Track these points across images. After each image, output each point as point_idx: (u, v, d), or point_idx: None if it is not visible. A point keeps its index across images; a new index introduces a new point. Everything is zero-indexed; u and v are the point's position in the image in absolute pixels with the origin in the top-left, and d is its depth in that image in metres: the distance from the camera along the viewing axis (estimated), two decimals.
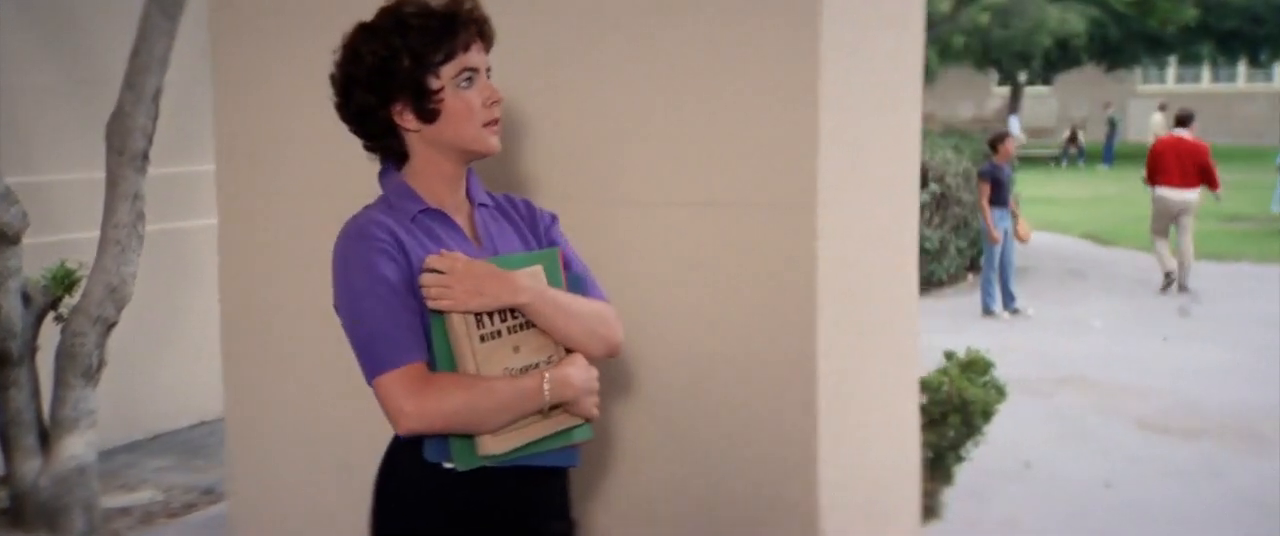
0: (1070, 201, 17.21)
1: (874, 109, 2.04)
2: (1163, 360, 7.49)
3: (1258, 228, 14.31)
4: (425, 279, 1.63)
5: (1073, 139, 26.50)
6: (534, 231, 1.82)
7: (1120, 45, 26.04)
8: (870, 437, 2.05)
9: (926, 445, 3.39)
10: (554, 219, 1.85)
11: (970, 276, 10.79)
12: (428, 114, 1.69)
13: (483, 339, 1.63)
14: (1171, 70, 32.07)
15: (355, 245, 1.65)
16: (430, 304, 1.62)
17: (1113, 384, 6.94)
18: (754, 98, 1.90)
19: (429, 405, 1.60)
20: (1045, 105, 32.01)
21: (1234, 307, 9.20)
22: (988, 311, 8.95)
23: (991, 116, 32.08)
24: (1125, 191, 18.70)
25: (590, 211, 2.02)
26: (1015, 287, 9.14)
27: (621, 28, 1.99)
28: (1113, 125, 25.78)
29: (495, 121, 1.72)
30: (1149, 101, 28.54)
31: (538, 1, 2.10)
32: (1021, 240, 9.16)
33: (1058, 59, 27.15)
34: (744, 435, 1.94)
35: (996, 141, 8.80)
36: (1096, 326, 8.66)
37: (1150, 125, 20.88)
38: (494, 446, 1.65)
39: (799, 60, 1.86)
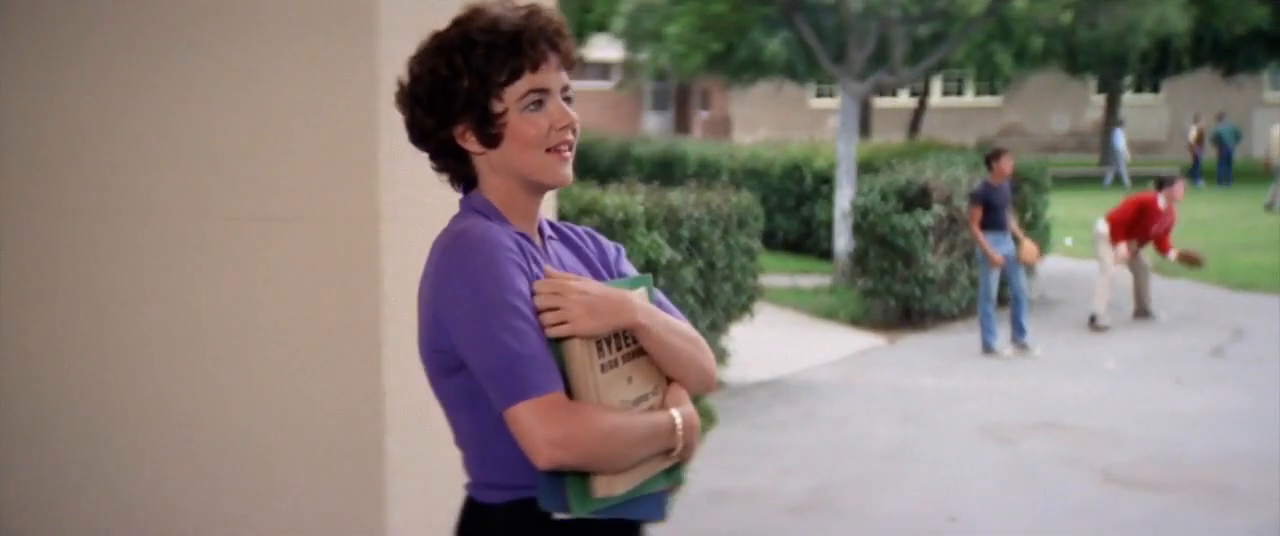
0: None
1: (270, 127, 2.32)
2: (1162, 405, 7.56)
3: None
4: (541, 301, 1.64)
5: (1197, 146, 25.91)
6: (604, 265, 1.85)
7: (1235, 46, 25.70)
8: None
9: None
10: (619, 251, 1.90)
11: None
12: (490, 138, 1.71)
13: (603, 368, 1.67)
14: None
15: (481, 252, 1.64)
16: (550, 331, 1.63)
17: (1092, 431, 7.04)
18: (315, 114, 2.19)
19: (578, 433, 1.61)
20: (1153, 116, 31.61)
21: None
22: (988, 349, 9.06)
23: (1090, 129, 31.83)
24: (1221, 216, 18.53)
25: (169, 224, 2.32)
26: (1027, 320, 9.23)
27: (175, 39, 2.30)
28: (1222, 139, 25.37)
29: (564, 148, 1.73)
30: (1275, 112, 28.14)
31: (107, 10, 2.38)
32: (1026, 264, 9.24)
33: (1163, 63, 26.90)
34: (310, 449, 2.23)
35: (992, 159, 8.92)
36: (1109, 367, 8.73)
37: (1272, 139, 20.63)
38: (611, 488, 1.67)
39: (357, 75, 2.15)
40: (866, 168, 12.50)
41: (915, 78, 16.94)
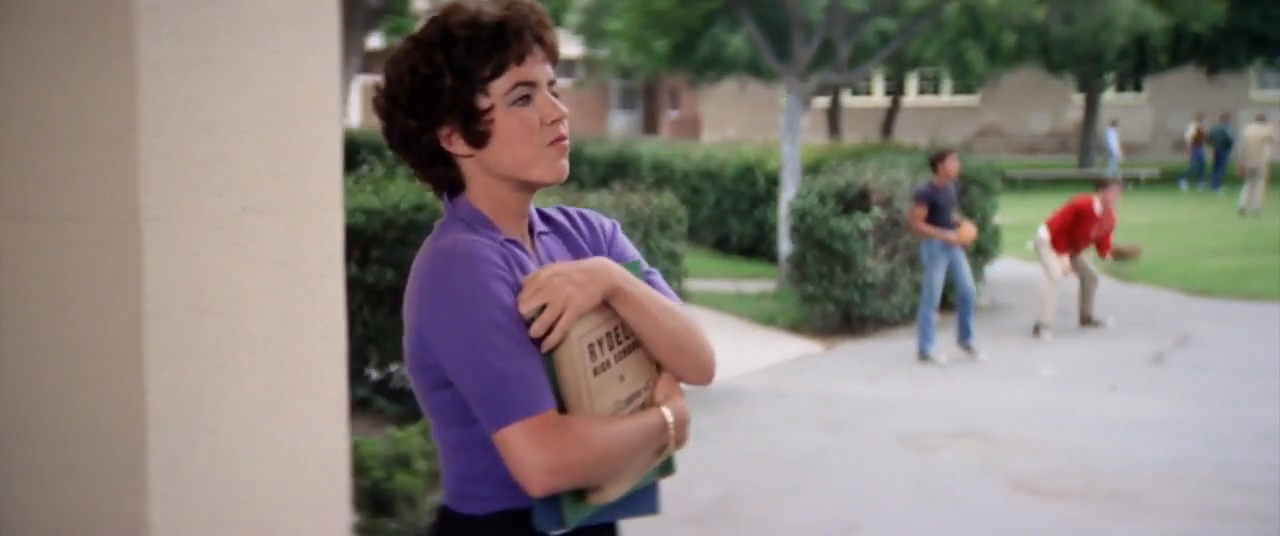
0: (1126, 230, 17.20)
1: (243, 126, 2.43)
2: (1090, 413, 7.71)
3: None
4: (527, 309, 1.64)
5: (1196, 146, 25.98)
6: (596, 245, 1.84)
7: (1216, 45, 25.99)
8: (241, 456, 2.43)
9: (434, 470, 3.66)
10: (616, 227, 1.89)
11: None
12: (477, 137, 1.70)
13: (596, 372, 1.68)
14: None
15: (465, 269, 1.63)
16: (547, 339, 1.63)
17: (1012, 439, 7.19)
18: (73, 111, 2.30)
19: (570, 457, 1.61)
20: (1136, 116, 31.91)
21: (1225, 355, 9.36)
22: (924, 356, 9.20)
23: (1071, 129, 32.08)
24: (1195, 220, 18.77)
25: None
26: (973, 323, 9.34)
27: None
28: (1216, 140, 25.54)
29: (559, 142, 1.73)
30: (1268, 112, 28.44)
31: None
32: (962, 244, 9.18)
33: (1144, 62, 27.17)
34: (73, 448, 2.33)
35: (937, 160, 9.02)
36: (1045, 374, 8.88)
37: (1245, 141, 20.89)
38: (604, 496, 1.69)
39: (117, 73, 2.26)
40: (817, 169, 12.64)
41: (860, 77, 17.10)
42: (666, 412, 1.75)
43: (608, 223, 1.89)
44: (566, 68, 33.45)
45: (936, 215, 9.01)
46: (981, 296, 11.86)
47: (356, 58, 6.56)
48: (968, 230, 9.21)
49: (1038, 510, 6.00)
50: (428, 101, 1.70)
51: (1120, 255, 10.29)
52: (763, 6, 12.74)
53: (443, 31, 1.69)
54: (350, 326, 7.61)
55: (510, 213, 1.75)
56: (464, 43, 1.68)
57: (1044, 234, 10.29)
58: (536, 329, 1.64)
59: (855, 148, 15.13)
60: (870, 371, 9.08)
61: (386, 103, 1.73)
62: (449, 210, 1.77)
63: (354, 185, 7.62)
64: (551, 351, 1.65)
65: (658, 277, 1.84)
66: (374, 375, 7.45)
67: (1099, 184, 10.35)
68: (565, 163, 1.75)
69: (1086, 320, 10.50)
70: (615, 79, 34.31)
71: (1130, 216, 19.08)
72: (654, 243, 8.11)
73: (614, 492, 1.70)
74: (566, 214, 1.87)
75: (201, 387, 2.35)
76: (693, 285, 12.51)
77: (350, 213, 7.13)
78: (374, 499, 3.30)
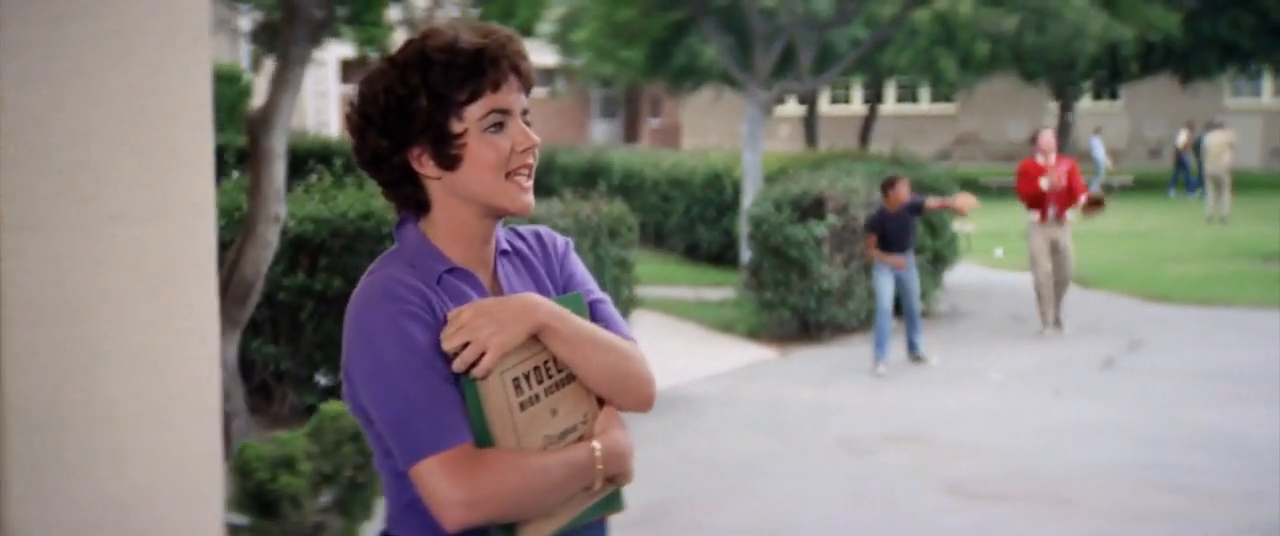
0: (1091, 237, 17.31)
1: (111, 136, 2.50)
2: (1033, 418, 7.80)
3: None
4: (451, 341, 1.65)
5: (1182, 153, 25.91)
6: (548, 267, 1.86)
7: (1188, 53, 26.15)
8: (108, 459, 2.50)
9: (319, 472, 3.74)
10: (568, 246, 1.91)
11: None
12: (448, 160, 1.71)
13: (522, 406, 1.68)
14: (1268, 82, 32.05)
15: (381, 309, 1.66)
16: (468, 371, 1.65)
17: (952, 443, 7.27)
18: None
19: (483, 491, 1.61)
20: (1112, 124, 32.05)
21: (1172, 360, 9.46)
22: (878, 363, 9.25)
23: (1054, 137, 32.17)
24: (1162, 227, 18.89)
25: None
26: (920, 339, 9.42)
27: None
28: (1200, 147, 25.57)
29: (525, 172, 1.75)
30: (1237, 118, 28.59)
31: None
32: (960, 210, 9.22)
33: (1119, 70, 27.32)
34: None
35: (887, 187, 9.01)
36: (994, 379, 8.97)
37: (1207, 149, 21.01)
38: (537, 531, 1.69)
39: None
40: (780, 177, 12.72)
41: (822, 85, 17.22)
42: (596, 447, 1.74)
43: (561, 242, 1.90)
44: (543, 77, 33.54)
45: (886, 242, 9.05)
46: (940, 303, 11.97)
47: (300, 69, 6.61)
48: (964, 199, 9.11)
49: (967, 511, 6.08)
50: (401, 122, 1.71)
51: (1094, 203, 10.34)
52: (725, 16, 12.83)
53: (420, 55, 1.71)
54: (299, 334, 7.70)
55: (471, 237, 1.77)
56: (441, 67, 1.70)
57: (1032, 216, 10.42)
58: (456, 366, 1.66)
59: (819, 155, 15.24)
60: (821, 377, 9.16)
61: (360, 120, 1.74)
62: (396, 232, 1.79)
63: (303, 194, 7.69)
64: (473, 386, 1.66)
65: (607, 306, 1.85)
66: (323, 382, 7.51)
67: (1033, 139, 10.53)
68: (529, 197, 1.76)
69: (1055, 322, 10.54)
70: (596, 87, 34.44)
71: (1101, 224, 19.21)
72: (604, 250, 8.19)
73: (546, 528, 1.69)
74: (521, 235, 1.88)
75: (66, 391, 2.42)
76: (656, 292, 12.63)
77: (299, 221, 7.22)
78: (259, 500, 3.38)
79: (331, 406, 4.00)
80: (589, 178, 18.38)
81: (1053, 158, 10.38)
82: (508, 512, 1.65)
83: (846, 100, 33.88)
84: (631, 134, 37.35)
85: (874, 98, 28.90)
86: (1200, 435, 7.24)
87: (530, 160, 1.76)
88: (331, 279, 7.24)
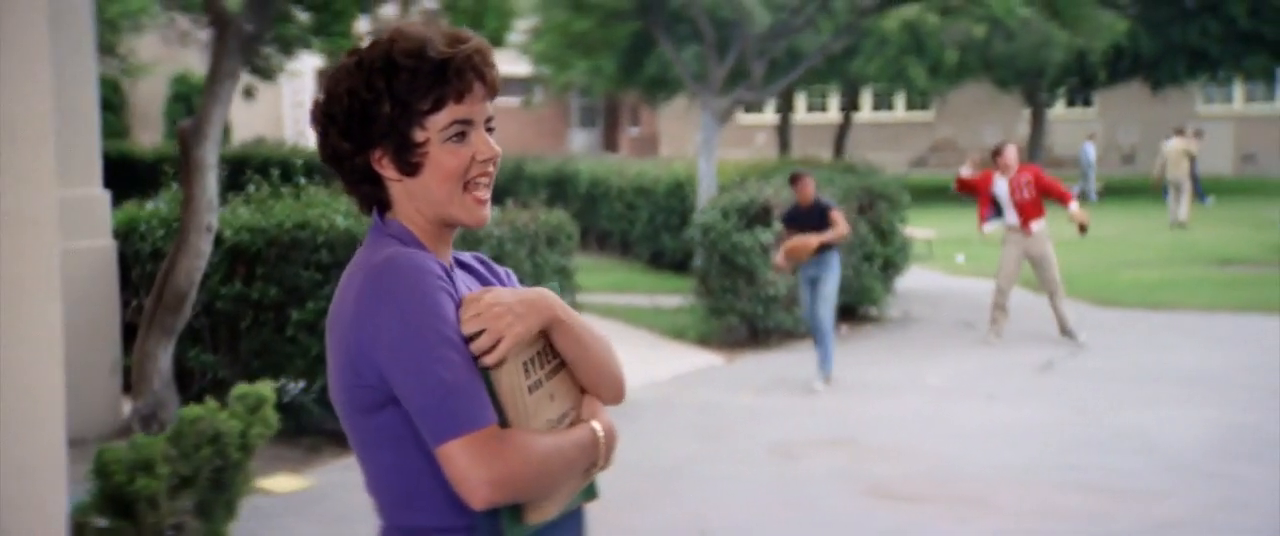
0: (1056, 244, 17.41)
1: None
2: (964, 421, 7.92)
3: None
4: (468, 327, 1.66)
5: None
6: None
7: (1157, 61, 26.35)
8: None
9: (178, 474, 3.85)
10: (509, 274, 1.92)
11: (844, 328, 11.22)
12: (409, 167, 1.71)
13: (530, 390, 1.72)
14: (1238, 89, 32.26)
15: (412, 281, 1.64)
16: (484, 358, 1.66)
17: (880, 447, 7.39)
18: None
19: (514, 470, 1.63)
20: (1086, 131, 32.24)
21: (1111, 363, 9.59)
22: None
23: (1022, 143, 32.35)
24: (1125, 233, 19.04)
25: None
26: (832, 350, 9.03)
27: None
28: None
29: (484, 182, 1.75)
30: (1208, 124, 28.78)
31: None
32: (796, 256, 8.80)
33: (1089, 78, 27.51)
34: None
35: (793, 181, 9.07)
36: (932, 384, 9.09)
37: (1164, 155, 21.18)
38: (543, 513, 1.72)
39: None
40: (734, 186, 12.84)
41: (773, 94, 17.35)
42: (596, 427, 1.79)
43: (503, 271, 1.93)
44: (518, 87, 33.67)
45: (798, 235, 8.90)
46: (892, 308, 12.09)
47: (231, 82, 6.72)
48: (795, 246, 8.76)
49: (884, 512, 6.20)
50: (363, 125, 1.71)
51: (1080, 224, 10.41)
52: (678, 26, 12.96)
53: (386, 58, 1.69)
54: (237, 343, 7.78)
55: (431, 240, 1.77)
56: (407, 74, 1.68)
57: (993, 226, 10.50)
58: (475, 349, 1.66)
59: (777, 164, 15.35)
60: (763, 382, 9.27)
61: (323, 119, 1.75)
62: (379, 227, 1.78)
63: (241, 204, 7.79)
64: (489, 368, 1.67)
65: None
66: None
67: (995, 153, 10.58)
68: (486, 210, 1.77)
69: (1063, 330, 10.52)
70: (575, 96, 34.56)
71: (1064, 230, 19.38)
72: (542, 258, 8.30)
73: (551, 510, 1.73)
74: (481, 261, 1.91)
75: None
76: (613, 299, 12.76)
77: (236, 231, 7.32)
78: (115, 502, 3.47)
79: (191, 410, 4.10)
80: (557, 186, 18.52)
81: (1012, 171, 10.42)
82: (529, 491, 1.67)
83: (824, 108, 34.05)
84: (610, 143, 37.48)
85: (849, 106, 29.08)
86: (1121, 436, 7.37)
87: (490, 170, 1.76)
88: (268, 288, 7.33)
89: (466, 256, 1.90)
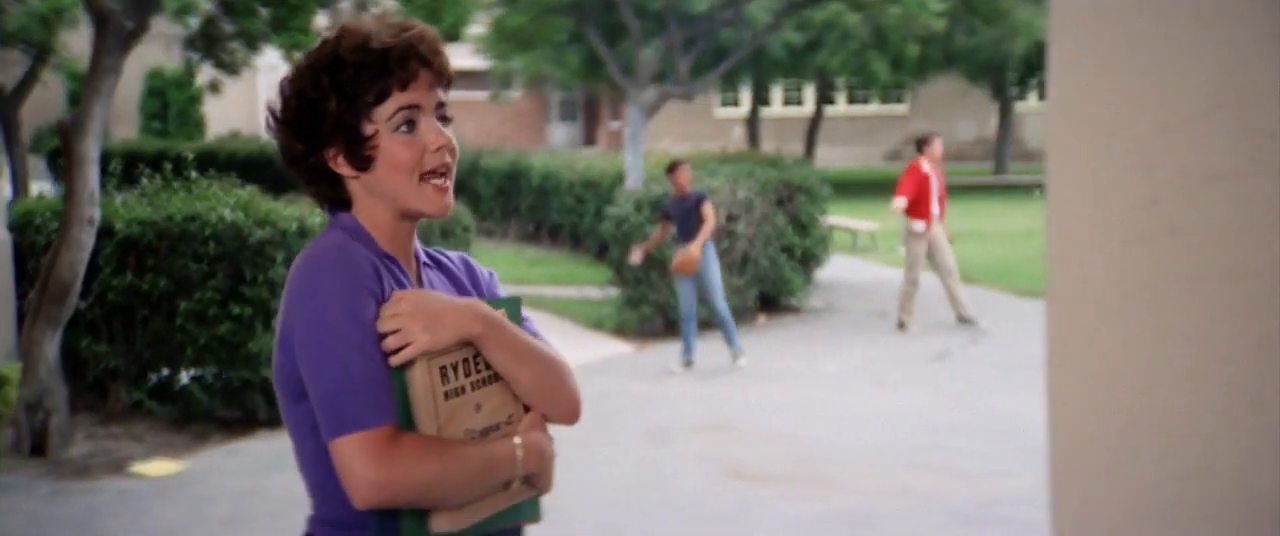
0: (990, 236, 17.53)
1: None
2: (843, 407, 8.13)
3: None
4: (385, 324, 1.66)
5: None
6: (477, 289, 1.88)
7: None
8: None
9: None
10: (493, 276, 1.92)
11: (762, 318, 11.42)
12: (362, 161, 1.72)
13: (447, 396, 1.69)
14: None
15: (335, 274, 1.65)
16: (392, 357, 1.65)
17: (751, 431, 7.60)
18: None
19: (398, 474, 1.60)
20: None
21: (1005, 351, 9.78)
22: (736, 353, 9.44)
23: (996, 137, 32.52)
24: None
25: None
26: (692, 342, 9.30)
27: None
28: None
29: (441, 172, 1.74)
30: None
31: None
32: (677, 273, 9.06)
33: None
34: None
35: (670, 171, 9.19)
36: (829, 371, 9.29)
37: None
38: (450, 523, 1.68)
39: None
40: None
41: (701, 89, 17.52)
42: (517, 442, 1.75)
43: (485, 271, 1.94)
44: (488, 82, 33.92)
45: (676, 226, 9.07)
46: (813, 298, 12.29)
47: (112, 77, 6.92)
48: (681, 259, 8.92)
49: (738, 492, 6.40)
50: (313, 124, 1.72)
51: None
52: (606, 19, 13.13)
53: (332, 57, 1.71)
54: (131, 333, 7.97)
55: (393, 236, 1.77)
56: (352, 68, 1.70)
57: (916, 225, 10.63)
58: (385, 345, 1.67)
59: (717, 157, 15.52)
60: (661, 371, 9.46)
61: (276, 123, 1.77)
62: (332, 221, 1.79)
63: (134, 199, 8.00)
64: (401, 368, 1.67)
65: (531, 324, 1.87)
66: (154, 378, 7.81)
67: (921, 143, 10.75)
68: (448, 199, 1.77)
69: (901, 324, 10.82)
70: (554, 90, 34.71)
71: (1009, 222, 19.53)
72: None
73: (461, 522, 1.69)
74: (446, 256, 1.91)
75: None
76: (545, 292, 12.96)
77: (127, 224, 7.52)
78: None
79: None
80: (511, 180, 18.73)
81: (938, 169, 10.63)
82: (419, 498, 1.65)
83: (799, 102, 34.20)
84: (590, 137, 37.65)
85: (822, 99, 29.25)
86: (989, 420, 7.58)
87: (446, 160, 1.75)
88: (158, 279, 7.53)
89: (452, 255, 1.92)
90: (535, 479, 1.78)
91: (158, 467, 6.82)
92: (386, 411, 1.64)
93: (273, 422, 7.61)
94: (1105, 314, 1.91)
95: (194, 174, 7.95)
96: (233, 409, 7.62)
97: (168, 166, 8.02)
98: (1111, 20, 1.79)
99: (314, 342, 1.64)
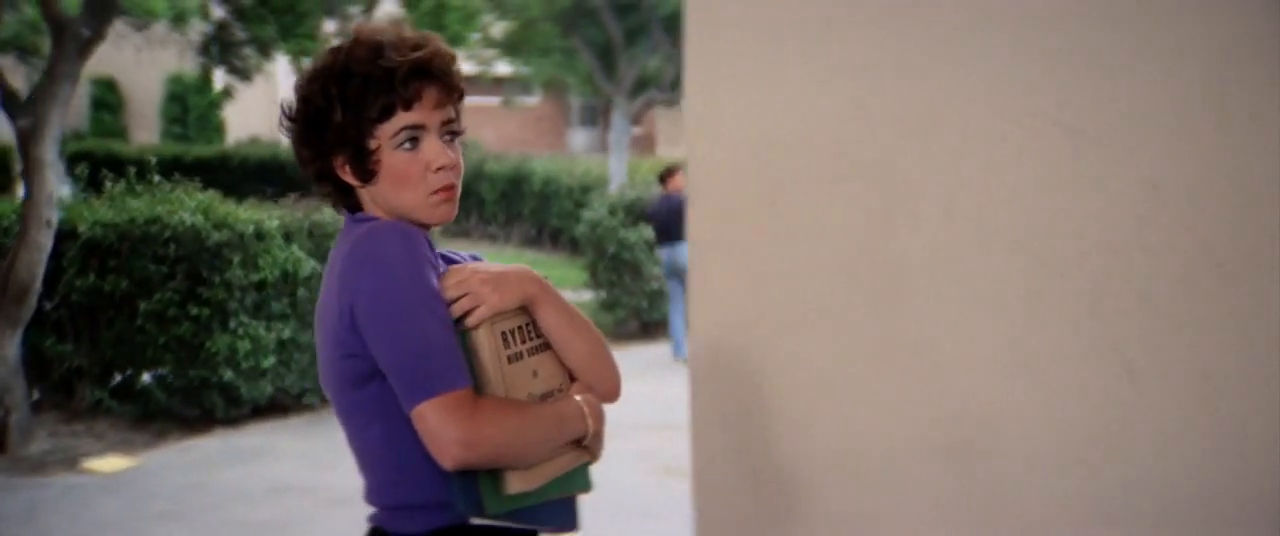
0: None
1: None
2: None
3: None
4: (451, 292, 1.72)
5: None
6: None
7: None
8: None
9: None
10: None
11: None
12: (365, 174, 1.75)
13: (509, 360, 1.75)
14: None
15: (402, 248, 1.68)
16: (463, 320, 1.72)
17: None
18: None
19: (485, 432, 1.65)
20: None
21: None
22: (677, 357, 9.64)
23: None
24: None
25: None
26: (683, 335, 9.66)
27: None
28: None
29: (444, 192, 1.76)
30: None
31: None
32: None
33: None
34: None
35: (665, 175, 9.42)
36: None
37: None
38: (523, 483, 1.74)
39: None
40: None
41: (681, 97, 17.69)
42: (579, 399, 1.83)
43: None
44: (509, 87, 34.14)
45: (664, 231, 9.26)
46: None
47: (69, 84, 7.13)
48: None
49: (666, 487, 6.53)
50: (319, 133, 1.74)
51: None
52: (590, 27, 13.28)
53: (343, 65, 1.73)
54: (95, 333, 8.18)
55: None
56: (359, 81, 1.71)
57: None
58: (454, 311, 1.72)
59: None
60: (633, 371, 9.45)
61: (288, 127, 1.80)
62: (350, 220, 1.82)
63: (98, 201, 8.21)
64: (466, 335, 1.72)
65: None
66: (118, 378, 8.02)
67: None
68: (450, 207, 1.79)
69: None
70: (575, 96, 34.88)
71: None
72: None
73: (534, 482, 1.75)
74: (461, 258, 1.92)
75: None
76: None
77: (90, 226, 7.74)
78: None
79: None
80: (514, 185, 18.92)
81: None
82: (501, 455, 1.69)
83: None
84: (609, 142, 37.79)
85: None
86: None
87: (449, 180, 1.77)
88: (119, 280, 7.74)
89: (463, 256, 1.94)
90: (592, 443, 1.86)
91: (109, 463, 7.02)
92: (465, 375, 1.68)
93: (230, 421, 7.81)
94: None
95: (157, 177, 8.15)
96: (191, 407, 7.82)
97: (131, 171, 8.22)
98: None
99: (388, 312, 1.67)
